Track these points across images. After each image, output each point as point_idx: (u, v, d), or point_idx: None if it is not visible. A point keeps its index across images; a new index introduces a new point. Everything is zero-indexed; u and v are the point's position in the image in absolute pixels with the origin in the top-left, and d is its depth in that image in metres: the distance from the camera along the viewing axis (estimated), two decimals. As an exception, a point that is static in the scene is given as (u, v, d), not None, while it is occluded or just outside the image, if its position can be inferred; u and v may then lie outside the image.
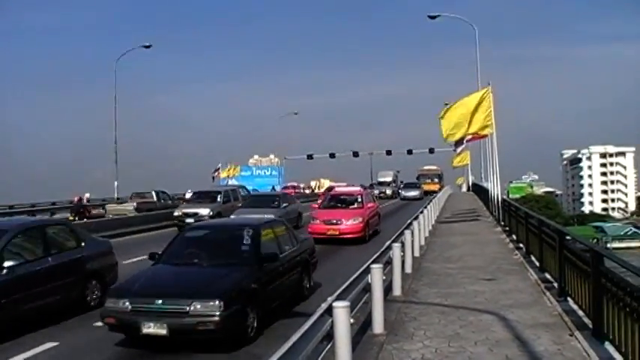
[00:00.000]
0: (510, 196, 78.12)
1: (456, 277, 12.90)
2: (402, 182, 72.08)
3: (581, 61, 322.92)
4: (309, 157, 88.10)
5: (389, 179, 74.63)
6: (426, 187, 66.95)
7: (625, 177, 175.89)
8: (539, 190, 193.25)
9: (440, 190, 60.37)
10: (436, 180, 75.83)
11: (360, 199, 23.43)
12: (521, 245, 16.65)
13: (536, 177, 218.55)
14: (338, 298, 6.89)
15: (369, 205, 23.59)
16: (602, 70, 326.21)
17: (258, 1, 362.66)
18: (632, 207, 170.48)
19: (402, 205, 46.71)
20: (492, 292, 11.03)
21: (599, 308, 7.18)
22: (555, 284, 10.67)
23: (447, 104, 26.24)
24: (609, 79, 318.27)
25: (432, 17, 39.68)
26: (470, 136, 25.85)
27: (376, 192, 57.14)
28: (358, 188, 27.24)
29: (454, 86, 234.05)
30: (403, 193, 59.62)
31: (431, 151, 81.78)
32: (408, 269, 13.42)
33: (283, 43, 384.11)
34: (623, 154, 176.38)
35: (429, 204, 25.90)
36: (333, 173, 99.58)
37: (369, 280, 8.80)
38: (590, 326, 7.73)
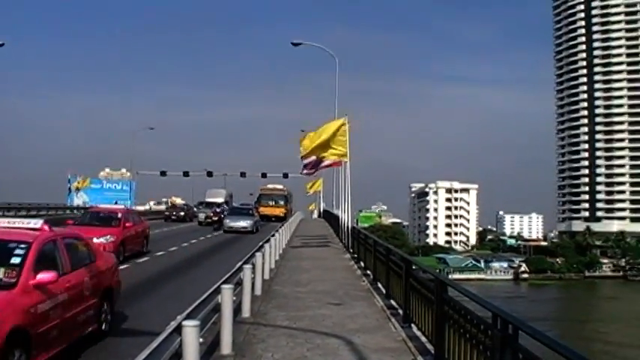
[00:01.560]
0: (360, 224, 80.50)
1: (305, 300, 12.96)
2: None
3: (437, 99, 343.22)
4: (163, 173, 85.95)
5: (220, 199, 62.10)
6: (266, 211, 56.78)
7: (468, 212, 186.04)
8: (388, 220, 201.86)
9: (287, 215, 54.65)
10: (282, 202, 61.54)
11: (118, 218, 22.73)
12: (368, 272, 16.92)
13: (385, 207, 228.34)
14: (188, 317, 6.63)
15: (128, 224, 22.68)
16: (455, 110, 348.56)
17: (152, 11, 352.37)
18: (472, 241, 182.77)
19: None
20: (340, 317, 11.16)
21: (441, 334, 7.42)
22: (400, 311, 10.94)
23: (303, 131, 26.55)
24: (462, 119, 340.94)
25: (295, 44, 40.29)
26: (325, 163, 26.26)
27: (202, 216, 48.81)
28: (121, 207, 27.35)
29: (314, 114, 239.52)
30: (228, 222, 40.72)
31: (285, 175, 79.31)
32: (258, 291, 13.29)
33: (147, 56, 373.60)
34: (467, 190, 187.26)
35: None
36: (186, 192, 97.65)
37: (219, 300, 8.57)
38: (433, 352, 7.95)
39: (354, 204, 31.95)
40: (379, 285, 14.51)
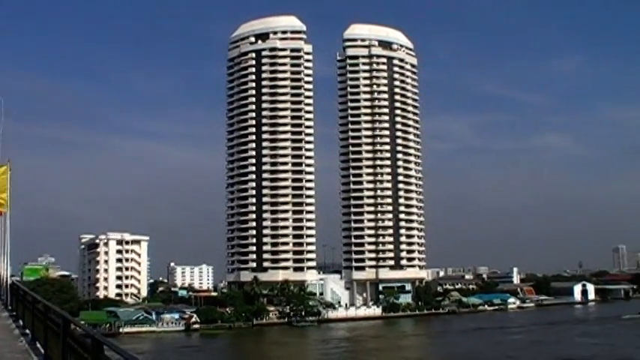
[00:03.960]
0: (25, 278, 71.90)
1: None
2: None
3: (113, 150, 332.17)
4: None
5: None
6: None
7: (139, 264, 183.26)
8: (56, 273, 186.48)
9: None
10: None
11: None
12: (27, 331, 15.65)
13: (53, 259, 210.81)
14: None
15: None
16: (130, 161, 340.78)
17: None
18: (144, 293, 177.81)
19: None
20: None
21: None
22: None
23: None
24: (137, 171, 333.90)
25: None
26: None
27: None
28: None
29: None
30: None
31: None
32: None
33: None
34: (138, 242, 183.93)
35: None
36: None
37: None
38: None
39: (18, 256, 27.67)
40: (38, 345, 13.33)
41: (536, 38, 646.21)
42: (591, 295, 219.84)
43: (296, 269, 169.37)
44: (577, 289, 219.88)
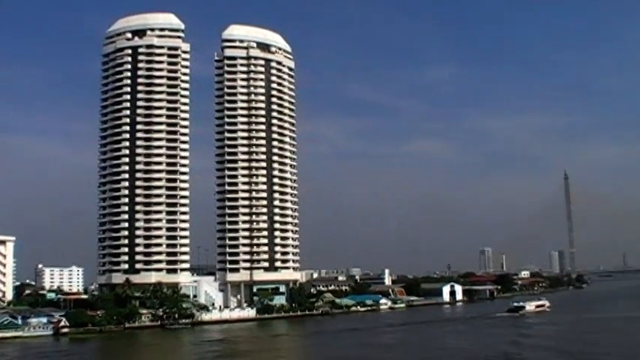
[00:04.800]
0: None
1: None
2: None
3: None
4: None
5: None
6: None
7: (4, 266, 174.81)
8: None
9: None
10: None
11: None
12: None
13: None
14: None
15: None
16: None
17: None
18: (9, 296, 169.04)
19: None
20: None
21: None
22: None
23: None
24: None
25: None
26: None
27: None
28: None
29: None
30: None
31: None
32: None
33: None
34: (3, 242, 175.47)
35: None
36: None
37: None
38: None
39: None
40: None
41: (413, 47, 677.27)
42: (459, 296, 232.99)
43: (169, 271, 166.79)
44: (446, 290, 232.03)
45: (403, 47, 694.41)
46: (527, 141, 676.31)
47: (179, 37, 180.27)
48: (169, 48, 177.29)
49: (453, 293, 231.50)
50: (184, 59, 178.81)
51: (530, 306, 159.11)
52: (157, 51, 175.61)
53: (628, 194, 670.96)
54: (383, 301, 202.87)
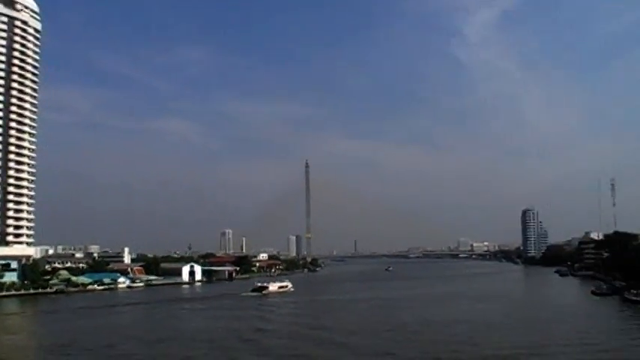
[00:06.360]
0: None
1: None
2: None
3: None
4: None
5: None
6: None
7: None
8: None
9: None
10: None
11: None
12: None
13: None
14: None
15: None
16: None
17: None
18: None
19: None
20: None
21: None
22: None
23: None
24: None
25: None
26: None
27: None
28: None
29: None
30: None
31: None
32: None
33: None
34: None
35: None
36: None
37: None
38: None
39: None
40: None
41: (165, 24, 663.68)
42: (198, 276, 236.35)
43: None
44: (185, 270, 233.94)
45: (157, 23, 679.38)
46: (275, 128, 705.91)
47: None
48: None
49: (192, 273, 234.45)
50: None
51: (274, 287, 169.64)
52: None
53: (365, 188, 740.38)
54: (121, 279, 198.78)
